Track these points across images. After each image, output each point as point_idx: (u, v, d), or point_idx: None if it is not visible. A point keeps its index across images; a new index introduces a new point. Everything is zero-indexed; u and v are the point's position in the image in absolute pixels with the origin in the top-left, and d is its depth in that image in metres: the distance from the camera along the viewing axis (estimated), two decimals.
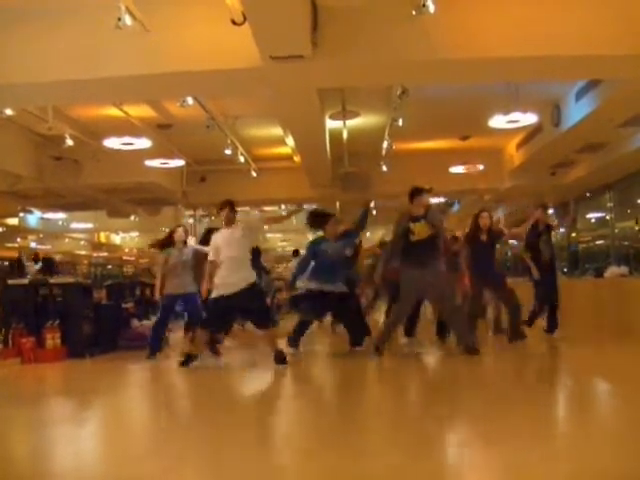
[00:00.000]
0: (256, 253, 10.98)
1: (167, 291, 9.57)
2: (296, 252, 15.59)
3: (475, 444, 4.52)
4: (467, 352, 8.37)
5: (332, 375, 8.50)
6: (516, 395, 6.26)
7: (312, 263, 9.23)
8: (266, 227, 26.44)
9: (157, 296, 9.76)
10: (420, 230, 8.57)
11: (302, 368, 8.71)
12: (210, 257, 8.26)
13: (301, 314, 9.44)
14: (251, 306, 8.27)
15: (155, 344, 9.67)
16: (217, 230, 8.79)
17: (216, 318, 8.41)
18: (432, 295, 8.86)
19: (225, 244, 8.27)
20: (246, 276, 8.26)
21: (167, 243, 9.83)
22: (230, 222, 8.43)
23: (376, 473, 3.86)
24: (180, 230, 9.93)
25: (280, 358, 8.17)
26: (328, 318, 12.09)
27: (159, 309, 9.80)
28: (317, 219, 9.46)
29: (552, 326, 9.93)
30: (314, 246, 9.32)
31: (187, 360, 8.42)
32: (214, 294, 8.16)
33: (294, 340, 9.22)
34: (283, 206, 22.87)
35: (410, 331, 10.37)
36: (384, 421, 5.41)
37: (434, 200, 21.14)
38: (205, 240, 10.06)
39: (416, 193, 8.90)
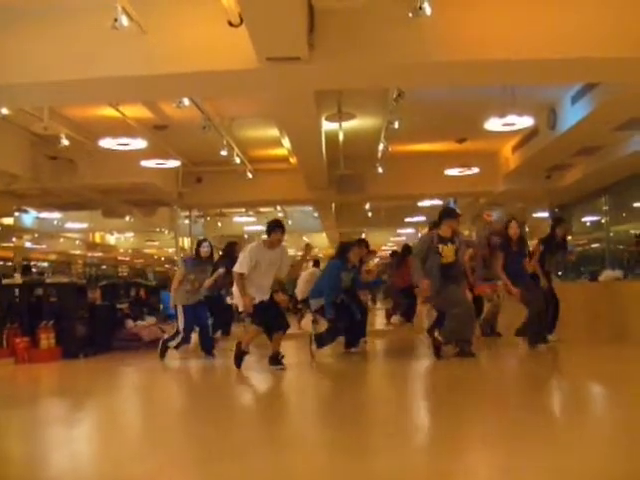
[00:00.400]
0: None
1: (185, 303, 9.70)
2: (317, 263, 15.65)
3: (471, 446, 4.53)
4: (462, 355, 8.51)
5: (329, 376, 8.50)
6: (511, 398, 6.27)
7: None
8: (261, 228, 26.43)
9: (172, 305, 9.92)
10: (448, 253, 8.69)
11: (296, 371, 8.71)
12: (243, 270, 8.22)
13: (338, 321, 9.61)
14: (276, 310, 8.55)
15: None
16: (236, 244, 8.84)
17: (267, 315, 8.48)
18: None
19: (267, 264, 8.36)
20: (270, 286, 8.54)
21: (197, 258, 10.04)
22: (278, 245, 8.55)
23: (372, 473, 3.86)
24: (206, 245, 10.04)
25: (275, 360, 8.20)
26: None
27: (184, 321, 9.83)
28: (344, 250, 10.04)
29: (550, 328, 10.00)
30: (339, 271, 9.78)
31: (240, 359, 8.45)
32: (257, 300, 8.25)
33: (323, 342, 9.40)
34: (279, 207, 22.84)
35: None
36: (380, 422, 5.41)
37: (429, 202, 21.22)
38: (229, 254, 10.34)
39: (447, 215, 8.95)
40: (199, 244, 10.17)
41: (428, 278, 8.61)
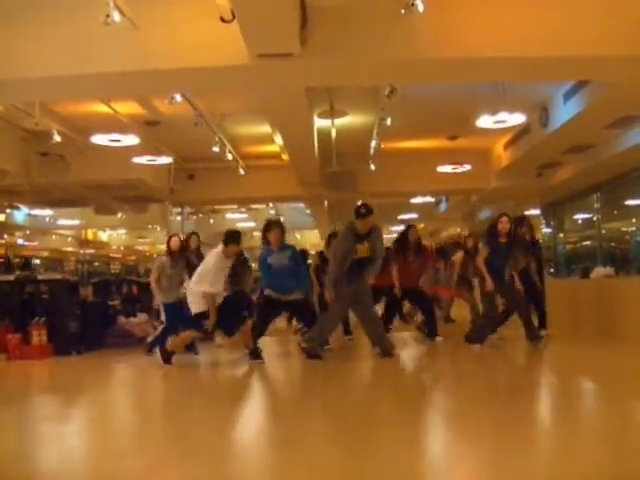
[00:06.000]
0: None
1: (164, 300, 9.81)
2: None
3: (460, 445, 4.54)
4: (383, 355, 8.69)
5: (309, 374, 8.48)
6: (501, 395, 6.29)
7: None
8: (254, 224, 26.43)
9: (155, 303, 10.02)
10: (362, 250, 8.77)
11: (277, 368, 8.75)
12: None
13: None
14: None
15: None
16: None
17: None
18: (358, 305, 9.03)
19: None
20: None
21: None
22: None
23: (356, 473, 3.86)
24: (174, 240, 10.14)
25: (255, 354, 8.67)
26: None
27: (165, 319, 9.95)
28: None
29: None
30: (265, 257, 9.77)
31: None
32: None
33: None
34: (271, 204, 22.84)
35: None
36: (364, 420, 5.41)
37: (421, 200, 21.27)
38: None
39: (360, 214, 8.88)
40: (169, 239, 10.21)
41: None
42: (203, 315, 8.32)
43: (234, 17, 6.96)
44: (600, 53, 7.54)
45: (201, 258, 9.33)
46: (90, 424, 5.73)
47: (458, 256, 11.41)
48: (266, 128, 13.65)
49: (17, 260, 13.14)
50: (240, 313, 9.01)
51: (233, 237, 8.45)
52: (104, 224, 27.09)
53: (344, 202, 21.82)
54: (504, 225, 9.36)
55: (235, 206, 24.37)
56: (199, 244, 10.60)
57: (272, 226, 9.45)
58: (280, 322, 12.98)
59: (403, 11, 6.86)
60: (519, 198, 19.98)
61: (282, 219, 23.64)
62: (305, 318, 9.82)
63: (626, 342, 9.19)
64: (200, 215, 25.51)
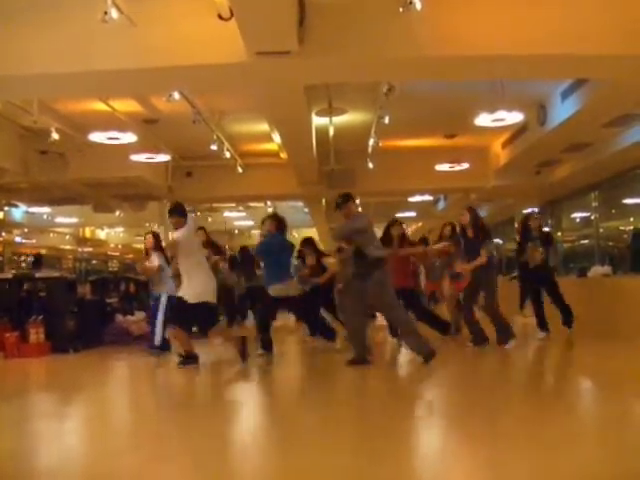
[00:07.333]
0: None
1: None
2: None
3: (459, 446, 4.54)
4: (425, 359, 7.80)
5: (310, 373, 8.48)
6: (502, 396, 6.29)
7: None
8: (252, 222, 26.41)
9: None
10: None
11: (275, 366, 8.77)
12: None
13: None
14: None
15: None
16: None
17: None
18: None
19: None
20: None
21: None
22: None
23: (361, 474, 3.86)
24: (148, 237, 10.55)
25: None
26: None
27: None
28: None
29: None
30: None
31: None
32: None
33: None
34: (269, 202, 22.83)
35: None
36: (369, 422, 5.40)
37: (420, 198, 21.27)
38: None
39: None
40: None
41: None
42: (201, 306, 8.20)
43: (232, 15, 6.96)
44: (599, 51, 7.54)
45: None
46: (87, 422, 5.73)
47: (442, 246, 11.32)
48: (264, 126, 13.64)
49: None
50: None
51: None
52: (102, 222, 27.09)
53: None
54: (464, 217, 9.44)
55: (233, 204, 24.35)
56: (208, 238, 10.98)
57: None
58: (280, 320, 12.99)
59: (401, 9, 6.86)
60: (517, 196, 19.99)
61: None
62: (306, 316, 9.84)
63: (623, 341, 9.20)
64: (198, 213, 25.49)
